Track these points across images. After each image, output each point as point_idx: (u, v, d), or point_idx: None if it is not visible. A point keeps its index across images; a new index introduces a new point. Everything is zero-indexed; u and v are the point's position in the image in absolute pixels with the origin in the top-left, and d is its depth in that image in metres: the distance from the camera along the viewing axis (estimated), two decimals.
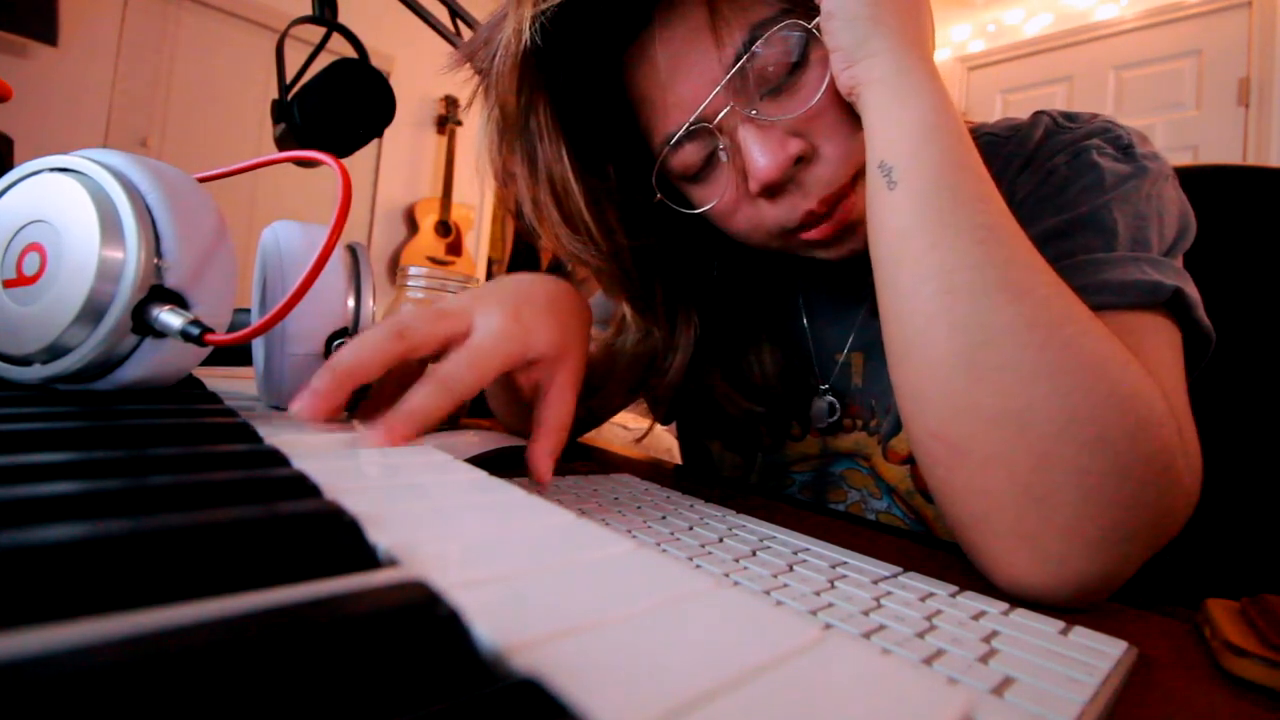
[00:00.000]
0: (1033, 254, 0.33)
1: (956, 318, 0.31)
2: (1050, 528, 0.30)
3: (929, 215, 0.33)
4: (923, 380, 0.33)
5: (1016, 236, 0.33)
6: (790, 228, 0.43)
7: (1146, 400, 0.30)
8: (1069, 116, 0.46)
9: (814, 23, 0.39)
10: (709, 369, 0.54)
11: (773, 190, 0.41)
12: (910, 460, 0.47)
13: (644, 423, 0.63)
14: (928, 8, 0.39)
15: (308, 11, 0.67)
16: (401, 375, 0.37)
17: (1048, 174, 0.42)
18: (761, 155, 0.40)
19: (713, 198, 0.45)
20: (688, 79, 0.41)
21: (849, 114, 0.40)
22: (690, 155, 0.44)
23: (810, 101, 0.40)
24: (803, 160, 0.41)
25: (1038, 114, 0.47)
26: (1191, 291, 0.37)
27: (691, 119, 0.42)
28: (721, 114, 0.41)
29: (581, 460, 0.54)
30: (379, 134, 0.69)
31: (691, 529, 0.35)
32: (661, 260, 0.50)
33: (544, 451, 0.37)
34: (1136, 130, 0.44)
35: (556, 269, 0.84)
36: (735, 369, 0.55)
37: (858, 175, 0.41)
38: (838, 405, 0.52)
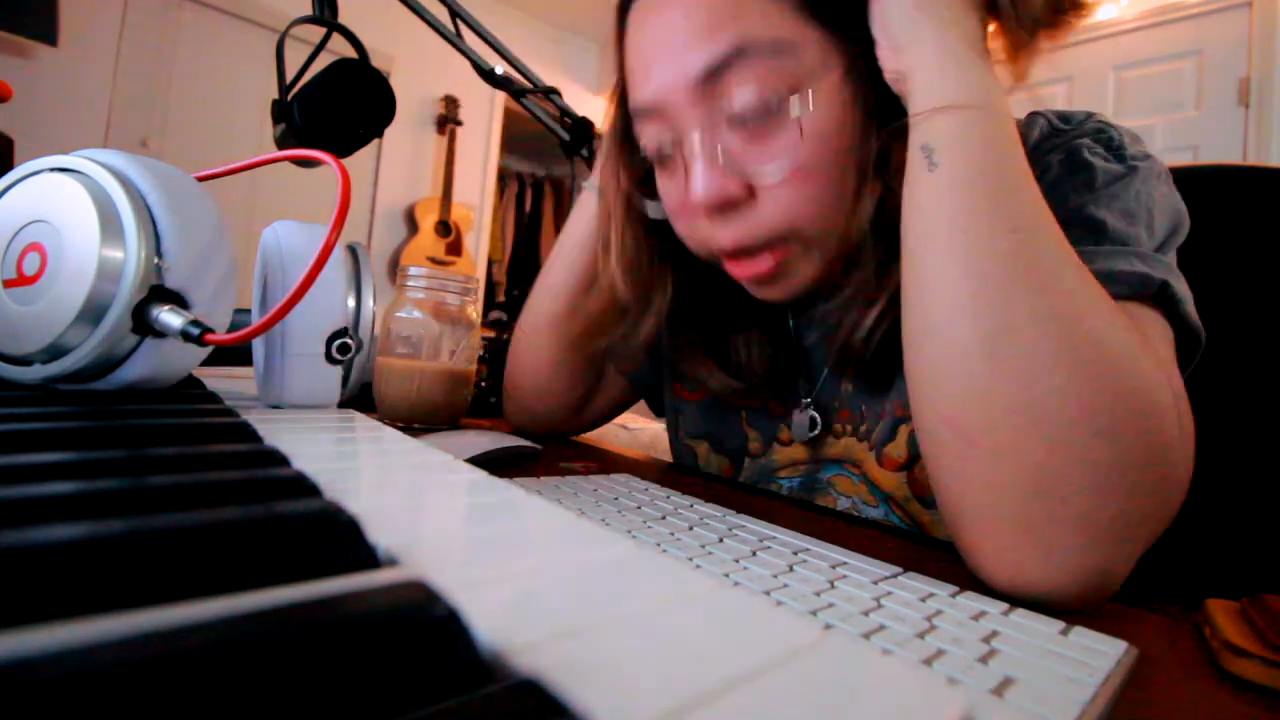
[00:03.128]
0: (1064, 246, 0.33)
1: (981, 304, 0.31)
2: (1057, 519, 0.30)
3: (965, 201, 0.33)
4: (941, 365, 0.33)
5: (1050, 229, 0.33)
6: (716, 252, 0.44)
7: (1156, 391, 0.31)
8: (1064, 118, 0.46)
9: (798, 94, 0.40)
10: (691, 343, 0.54)
11: (708, 211, 0.42)
12: (906, 467, 0.47)
13: (644, 423, 0.63)
14: (981, 5, 0.40)
15: (308, 11, 0.67)
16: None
17: (1041, 172, 0.43)
18: (698, 181, 0.41)
19: (668, 189, 0.46)
20: (666, 65, 0.42)
21: (808, 176, 0.40)
22: (652, 139, 0.45)
23: (772, 156, 0.41)
24: (736, 203, 0.42)
25: (1033, 115, 0.47)
26: (1181, 288, 0.37)
27: (654, 106, 0.43)
28: (687, 111, 0.42)
29: (581, 460, 0.54)
30: (379, 134, 0.69)
31: (691, 529, 0.35)
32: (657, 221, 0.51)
33: None
34: (1129, 130, 0.44)
35: None
36: (719, 346, 0.54)
37: (788, 239, 0.42)
38: (819, 420, 0.51)
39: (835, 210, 0.42)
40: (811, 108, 0.40)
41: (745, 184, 0.41)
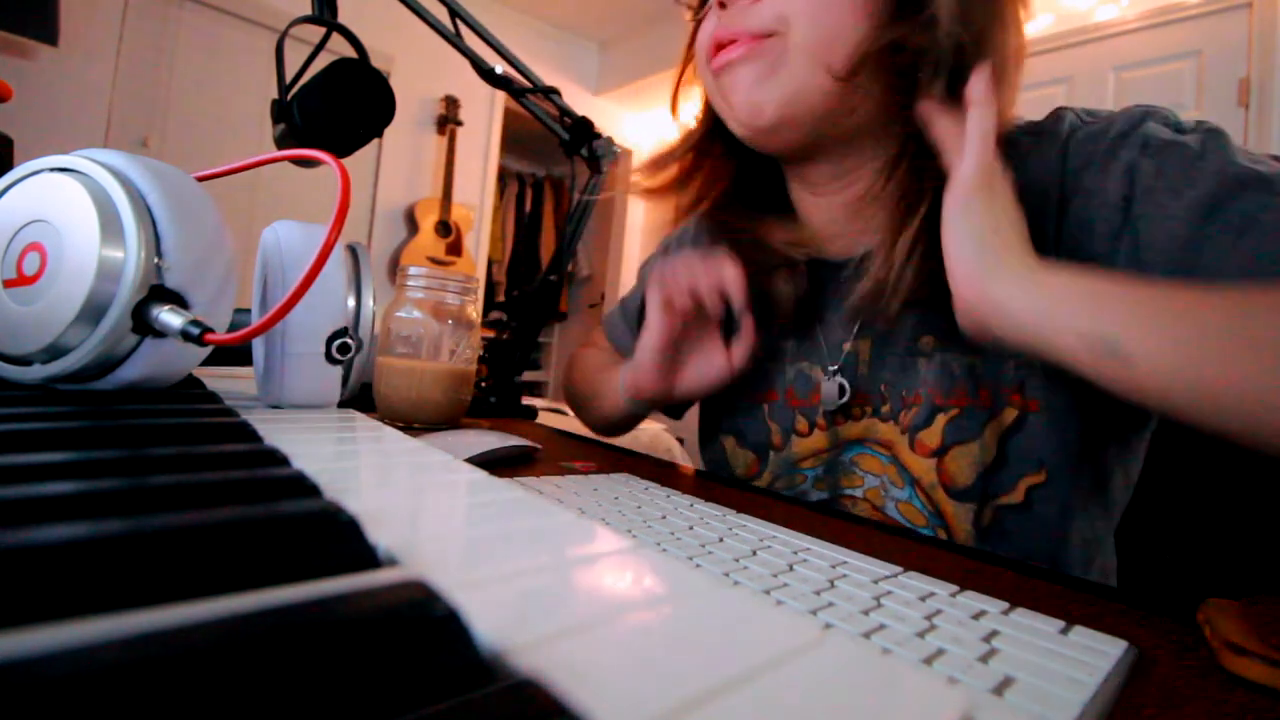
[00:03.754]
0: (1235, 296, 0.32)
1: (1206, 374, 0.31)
2: None
3: (1167, 359, 0.32)
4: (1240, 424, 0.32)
5: (1208, 300, 0.33)
6: (711, 50, 0.48)
7: None
8: (1091, 112, 0.46)
9: None
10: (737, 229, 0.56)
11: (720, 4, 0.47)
12: (938, 454, 0.47)
13: (644, 424, 0.64)
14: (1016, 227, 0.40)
15: (308, 11, 0.67)
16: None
17: (1129, 170, 0.40)
18: None
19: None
20: None
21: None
22: None
23: None
24: None
25: (1060, 109, 0.47)
26: None
27: None
28: None
29: (581, 460, 0.54)
30: (379, 134, 0.69)
31: (691, 529, 0.35)
32: None
33: None
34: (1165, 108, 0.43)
35: (558, 263, 0.84)
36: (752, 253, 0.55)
37: (773, 34, 0.45)
38: (848, 387, 0.52)
39: (829, 29, 0.43)
40: None
41: None
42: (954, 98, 0.42)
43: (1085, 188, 0.42)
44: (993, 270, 0.37)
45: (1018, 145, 0.46)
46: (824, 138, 0.47)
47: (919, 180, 0.45)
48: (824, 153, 0.50)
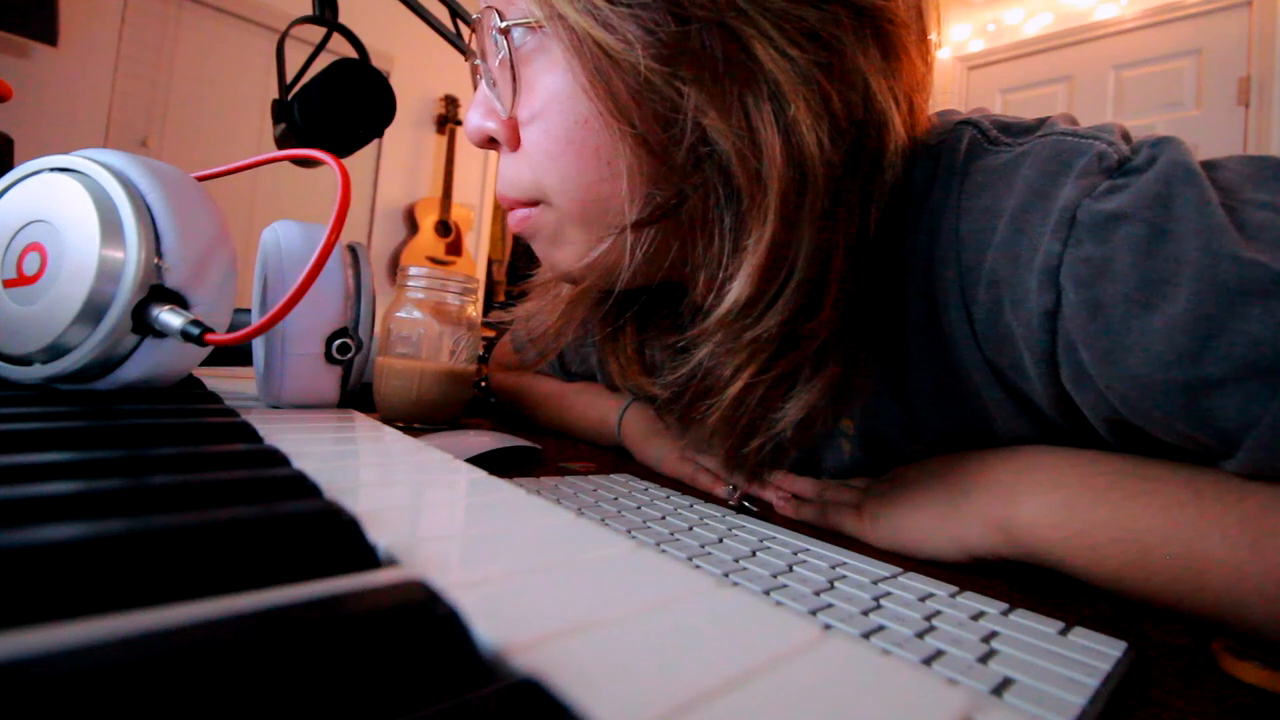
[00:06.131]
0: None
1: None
2: None
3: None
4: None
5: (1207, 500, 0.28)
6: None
7: None
8: (1003, 126, 0.35)
9: (528, 22, 0.34)
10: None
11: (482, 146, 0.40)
12: None
13: None
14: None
15: (308, 11, 0.67)
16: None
17: (1049, 270, 0.29)
18: (470, 110, 0.39)
19: None
20: None
21: (548, 135, 0.35)
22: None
23: (497, 107, 0.37)
24: (499, 142, 0.38)
25: (961, 125, 0.36)
26: None
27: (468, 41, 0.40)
28: (480, 31, 0.38)
29: (581, 460, 0.54)
30: (379, 134, 0.69)
31: (691, 529, 0.35)
32: None
33: None
34: (1099, 135, 0.31)
35: None
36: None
37: (539, 201, 0.38)
38: (750, 506, 0.47)
39: (585, 198, 0.36)
40: (519, 51, 0.35)
41: (495, 130, 0.38)
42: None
43: (993, 280, 0.32)
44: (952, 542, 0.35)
45: (915, 168, 0.36)
46: (674, 265, 0.37)
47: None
48: (683, 273, 0.39)
